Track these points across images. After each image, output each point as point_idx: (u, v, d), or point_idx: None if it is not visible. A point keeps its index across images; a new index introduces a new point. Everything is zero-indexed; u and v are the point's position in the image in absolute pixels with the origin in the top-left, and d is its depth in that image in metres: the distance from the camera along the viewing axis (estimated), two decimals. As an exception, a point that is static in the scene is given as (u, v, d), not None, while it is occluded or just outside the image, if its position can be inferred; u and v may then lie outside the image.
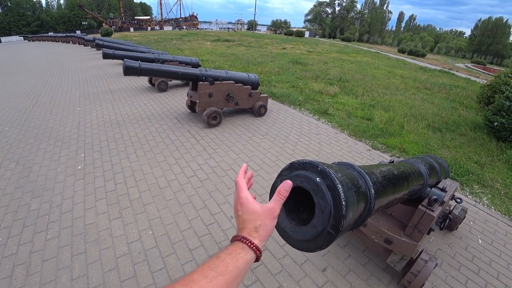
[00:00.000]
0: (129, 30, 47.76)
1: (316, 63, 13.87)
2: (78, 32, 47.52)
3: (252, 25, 59.92)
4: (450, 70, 18.76)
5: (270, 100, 6.94)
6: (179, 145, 4.61)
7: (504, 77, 5.87)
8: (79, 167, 3.85)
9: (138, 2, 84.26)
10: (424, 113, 6.89)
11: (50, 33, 41.97)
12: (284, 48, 21.59)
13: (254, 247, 0.63)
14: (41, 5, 67.91)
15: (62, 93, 7.95)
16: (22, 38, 41.03)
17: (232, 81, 5.14)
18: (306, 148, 4.40)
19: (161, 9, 64.28)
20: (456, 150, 4.99)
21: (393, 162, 1.88)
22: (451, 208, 2.81)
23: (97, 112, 6.19)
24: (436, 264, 2.03)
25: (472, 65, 32.64)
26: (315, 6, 71.77)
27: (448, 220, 2.18)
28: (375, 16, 70.67)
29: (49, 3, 71.11)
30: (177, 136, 4.95)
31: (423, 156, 2.43)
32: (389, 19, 68.65)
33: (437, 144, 5.13)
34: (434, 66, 21.02)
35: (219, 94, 5.04)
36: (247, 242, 0.63)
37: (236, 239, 0.65)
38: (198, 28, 59.61)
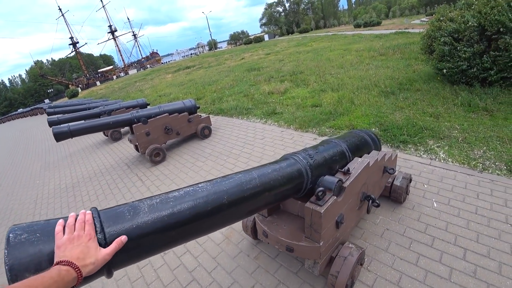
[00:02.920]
0: (95, 84, 47.80)
1: (272, 64, 13.80)
2: (47, 100, 47.41)
3: (211, 45, 60.56)
4: (405, 30, 18.89)
5: (218, 117, 6.78)
6: (126, 192, 4.41)
7: (437, 21, 5.74)
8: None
9: (98, 55, 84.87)
10: (377, 80, 6.72)
11: (20, 110, 41.62)
12: (242, 58, 21.64)
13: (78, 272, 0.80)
14: (5, 85, 68.20)
15: (25, 169, 7.73)
16: (-7, 121, 40.67)
17: (166, 114, 5.03)
18: (248, 158, 4.13)
19: (121, 55, 64.85)
20: (410, 108, 4.79)
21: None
22: (392, 180, 2.54)
23: (55, 180, 6.00)
24: (361, 252, 1.74)
25: (427, 18, 33.05)
26: (266, 9, 73.04)
27: (371, 201, 1.92)
28: (325, 0, 72.13)
29: (12, 81, 71.42)
30: (125, 183, 4.74)
31: (330, 138, 2.18)
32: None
33: (389, 109, 4.92)
34: (390, 30, 21.20)
35: (156, 130, 4.94)
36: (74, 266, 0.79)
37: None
38: (162, 63, 59.93)
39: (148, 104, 8.01)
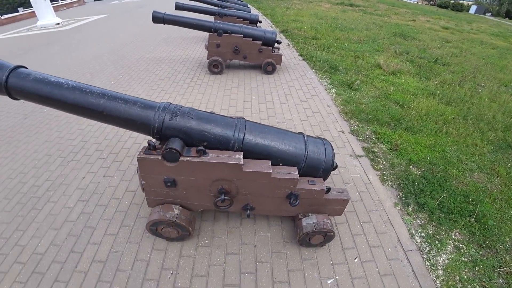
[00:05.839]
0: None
1: (430, 40, 10.94)
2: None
3: (401, -8, 50.82)
4: None
5: (301, 63, 6.34)
6: (168, 82, 5.23)
7: None
8: (112, 82, 5.21)
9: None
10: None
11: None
12: (413, 20, 17.75)
13: None
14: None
15: (153, 37, 9.02)
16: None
17: (240, 35, 5.19)
18: (266, 107, 4.04)
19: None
20: (501, 184, 3.21)
21: None
22: (304, 216, 2.05)
23: (156, 52, 7.21)
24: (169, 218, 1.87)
25: None
26: (503, -28, 53.25)
27: (224, 199, 1.80)
28: None
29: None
30: (179, 75, 5.54)
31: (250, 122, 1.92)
32: None
33: (477, 163, 3.45)
34: None
35: (226, 45, 5.24)
36: None
37: None
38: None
39: (260, 22, 7.97)
